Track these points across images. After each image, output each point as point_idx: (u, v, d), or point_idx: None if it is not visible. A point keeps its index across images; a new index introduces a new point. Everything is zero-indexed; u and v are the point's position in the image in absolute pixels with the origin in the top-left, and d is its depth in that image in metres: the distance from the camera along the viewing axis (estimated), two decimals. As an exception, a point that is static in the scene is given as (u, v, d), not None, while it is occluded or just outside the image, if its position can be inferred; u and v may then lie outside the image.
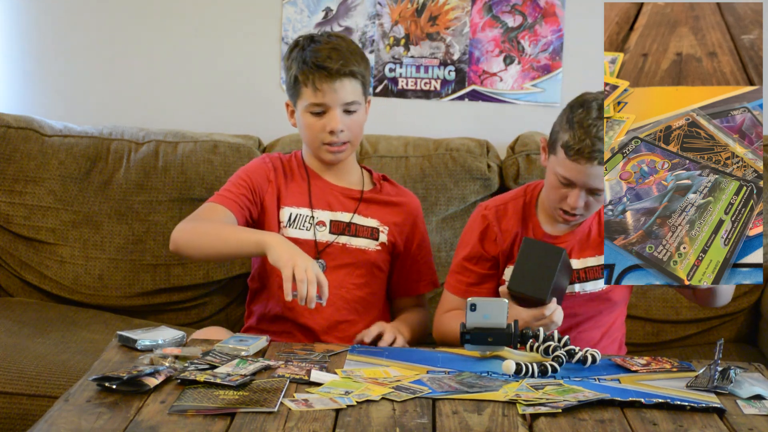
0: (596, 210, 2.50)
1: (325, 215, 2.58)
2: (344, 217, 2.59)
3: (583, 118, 2.38)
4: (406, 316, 2.65)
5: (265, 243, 2.33)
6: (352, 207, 2.60)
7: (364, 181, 2.66)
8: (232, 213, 2.51)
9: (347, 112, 2.53)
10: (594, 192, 2.41)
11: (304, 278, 2.24)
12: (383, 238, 2.60)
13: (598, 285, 2.50)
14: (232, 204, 2.53)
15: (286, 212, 2.57)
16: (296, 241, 2.46)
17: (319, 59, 2.50)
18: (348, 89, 2.52)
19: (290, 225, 2.56)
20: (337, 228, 2.58)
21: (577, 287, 2.50)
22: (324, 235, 2.57)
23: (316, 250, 2.56)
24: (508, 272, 2.53)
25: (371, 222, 2.60)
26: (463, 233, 2.67)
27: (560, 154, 2.41)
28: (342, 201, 2.60)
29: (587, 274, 2.51)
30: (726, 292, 2.43)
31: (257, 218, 2.58)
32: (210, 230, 2.47)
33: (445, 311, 2.60)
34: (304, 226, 2.57)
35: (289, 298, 2.25)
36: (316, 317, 2.52)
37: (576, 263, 2.51)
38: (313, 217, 2.57)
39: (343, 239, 2.57)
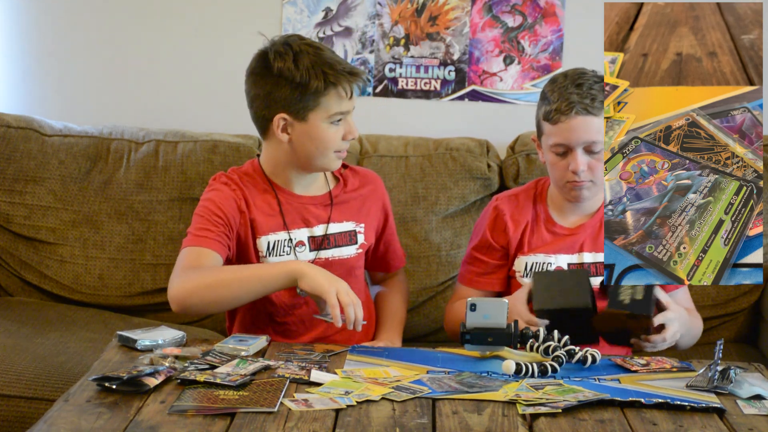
0: (602, 175, 2.37)
1: (302, 234, 2.51)
2: (320, 230, 2.52)
3: (552, 87, 2.47)
4: (394, 311, 2.63)
5: (296, 272, 2.28)
6: (325, 216, 2.53)
7: (328, 181, 2.58)
8: (218, 254, 2.39)
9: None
10: (591, 149, 2.44)
11: (350, 302, 2.23)
12: (361, 239, 2.56)
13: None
14: (214, 243, 2.40)
15: (263, 242, 2.47)
16: None
17: (344, 65, 2.42)
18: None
19: (270, 254, 2.48)
20: (316, 244, 2.51)
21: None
22: (305, 255, 2.50)
23: None
24: (519, 262, 2.55)
25: (347, 226, 2.55)
26: (475, 224, 2.69)
27: (545, 127, 2.46)
28: (315, 213, 2.52)
29: (598, 270, 2.52)
30: (688, 337, 2.45)
31: (233, 252, 2.47)
32: (220, 279, 2.34)
33: (455, 301, 2.62)
34: (283, 251, 2.49)
35: (339, 323, 2.23)
36: (309, 332, 2.52)
37: (588, 257, 2.53)
38: (291, 239, 2.49)
39: (324, 253, 2.52)
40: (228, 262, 2.44)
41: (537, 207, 2.59)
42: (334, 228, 2.53)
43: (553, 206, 2.58)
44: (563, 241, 2.55)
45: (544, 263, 2.53)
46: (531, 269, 2.54)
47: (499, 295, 2.60)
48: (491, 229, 2.59)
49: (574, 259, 2.53)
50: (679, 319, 2.33)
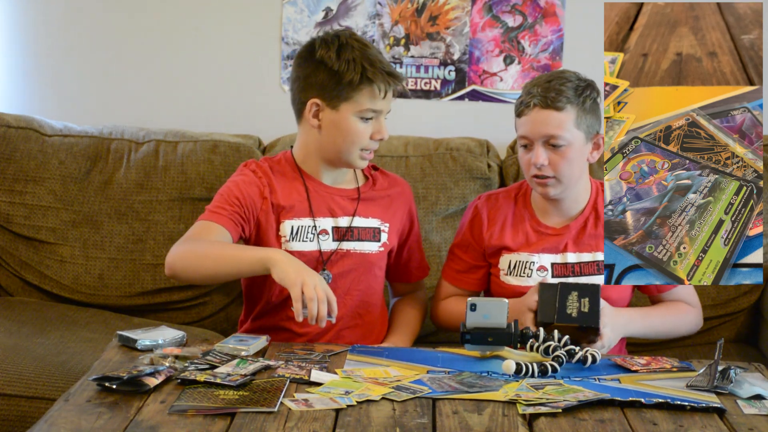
0: (568, 173, 2.48)
1: (327, 223, 2.53)
2: (345, 221, 2.54)
3: (526, 83, 2.54)
4: (408, 320, 2.65)
5: (268, 260, 2.26)
6: (351, 209, 2.55)
7: (357, 177, 2.61)
8: (227, 230, 2.43)
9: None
10: (552, 143, 2.45)
11: (314, 296, 2.18)
12: (384, 237, 2.57)
13: (592, 280, 2.49)
14: (226, 221, 2.44)
15: (287, 226, 2.50)
16: (301, 253, 2.45)
17: (385, 65, 2.46)
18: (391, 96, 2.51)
19: (293, 238, 2.49)
20: (339, 234, 2.53)
21: (571, 281, 2.49)
22: (327, 244, 2.52)
23: (322, 260, 2.51)
24: (502, 261, 2.56)
25: (372, 222, 2.57)
26: (460, 222, 2.72)
27: (515, 121, 2.52)
28: (341, 204, 2.55)
29: (582, 269, 2.53)
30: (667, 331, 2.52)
31: (250, 236, 2.50)
32: (207, 251, 2.36)
33: (440, 299, 2.65)
34: (307, 237, 2.51)
35: (300, 318, 2.19)
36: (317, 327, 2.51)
37: (572, 257, 2.53)
38: (315, 226, 2.51)
39: (347, 245, 2.53)
40: (243, 242, 2.48)
41: (519, 207, 2.60)
42: (359, 222, 2.55)
43: (536, 207, 2.60)
44: (547, 240, 2.55)
45: (527, 262, 2.54)
46: (514, 268, 2.55)
47: (482, 294, 2.64)
48: (470, 227, 2.63)
49: (557, 258, 2.54)
50: (613, 325, 2.34)
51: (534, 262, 2.54)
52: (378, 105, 2.46)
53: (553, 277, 2.52)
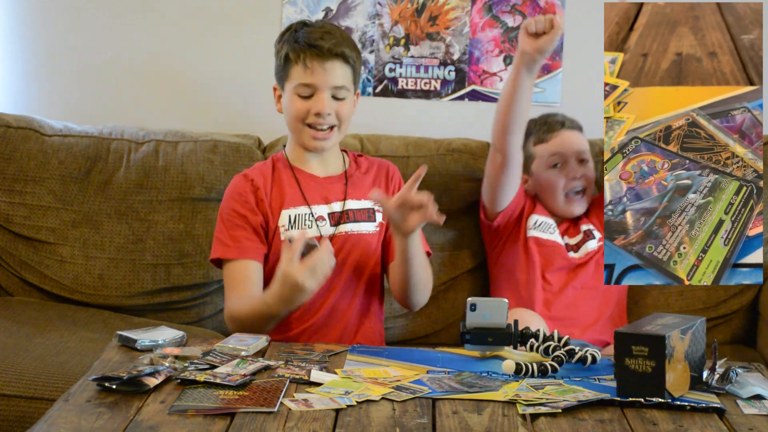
0: (593, 181, 2.92)
1: (322, 209, 2.58)
2: (338, 206, 2.59)
3: (534, 124, 2.89)
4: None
5: (292, 288, 2.29)
6: (342, 193, 2.60)
7: (345, 163, 2.67)
8: (255, 261, 2.51)
9: (335, 98, 2.54)
10: (581, 159, 2.87)
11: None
12: (380, 217, 2.60)
13: (589, 246, 2.86)
14: (248, 252, 2.51)
15: (284, 215, 2.55)
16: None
17: (311, 39, 2.51)
18: (338, 72, 2.53)
19: (291, 226, 2.54)
20: (335, 219, 2.57)
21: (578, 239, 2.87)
22: (326, 229, 2.56)
23: None
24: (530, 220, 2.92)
25: (365, 203, 2.61)
26: None
27: (539, 148, 2.88)
28: (332, 190, 2.60)
29: (577, 247, 2.86)
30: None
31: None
32: (254, 318, 2.40)
33: None
34: (305, 224, 2.55)
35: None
36: (319, 312, 2.54)
37: (568, 239, 2.88)
38: (312, 213, 2.56)
39: (344, 227, 2.57)
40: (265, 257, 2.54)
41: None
42: (352, 204, 2.60)
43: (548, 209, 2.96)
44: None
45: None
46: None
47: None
48: None
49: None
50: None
51: (554, 225, 2.92)
52: (309, 79, 2.51)
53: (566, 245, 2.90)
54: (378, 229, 2.60)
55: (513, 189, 2.87)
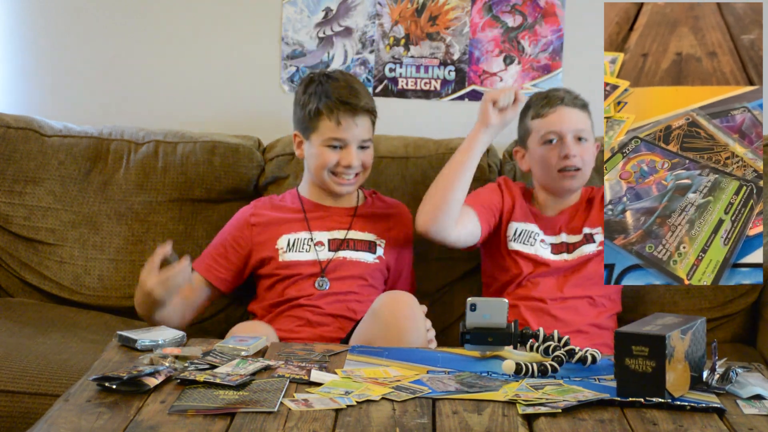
0: (590, 166, 2.79)
1: (323, 235, 2.71)
2: (341, 234, 2.71)
3: (535, 96, 2.81)
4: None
5: (147, 292, 2.58)
6: (347, 223, 2.72)
7: (358, 198, 2.80)
8: (202, 276, 2.76)
9: (361, 147, 2.70)
10: (580, 137, 2.74)
11: None
12: (380, 251, 2.71)
13: (585, 250, 2.76)
14: (203, 268, 2.78)
15: (283, 240, 2.70)
16: (297, 263, 2.67)
17: (342, 96, 2.65)
18: (366, 126, 2.71)
19: (289, 249, 2.68)
20: (335, 245, 2.69)
21: (566, 255, 2.76)
22: (324, 254, 2.68)
23: (320, 267, 2.67)
24: (510, 228, 2.79)
25: (368, 236, 2.73)
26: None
27: (536, 122, 2.76)
28: (338, 220, 2.73)
29: (568, 248, 2.77)
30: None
31: (244, 266, 2.76)
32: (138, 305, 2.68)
33: None
34: (303, 248, 2.69)
35: None
36: (326, 327, 2.62)
37: (565, 237, 2.79)
38: (312, 238, 2.69)
39: (343, 253, 2.68)
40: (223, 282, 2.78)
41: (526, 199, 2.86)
42: (355, 234, 2.73)
43: (536, 203, 2.86)
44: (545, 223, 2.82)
45: (532, 232, 2.79)
46: (520, 235, 2.78)
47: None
48: (496, 186, 2.88)
49: (553, 239, 2.80)
50: None
51: (538, 234, 2.76)
52: (341, 134, 2.66)
53: (552, 253, 2.76)
54: (378, 261, 2.70)
55: (472, 227, 2.74)
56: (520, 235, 2.78)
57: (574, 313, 2.70)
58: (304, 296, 2.66)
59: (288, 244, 2.70)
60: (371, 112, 2.72)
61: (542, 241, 2.77)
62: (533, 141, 2.79)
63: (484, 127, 2.67)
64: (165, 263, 2.53)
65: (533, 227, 2.79)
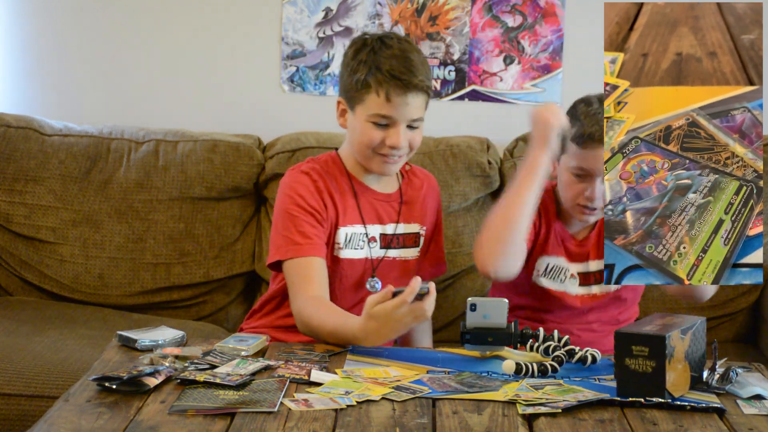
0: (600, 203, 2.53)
1: (375, 230, 2.50)
2: (390, 228, 2.51)
3: (587, 110, 2.50)
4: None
5: (361, 340, 2.20)
6: (395, 214, 2.53)
7: (399, 178, 2.57)
8: (321, 258, 2.39)
9: (410, 127, 2.42)
10: (599, 177, 2.49)
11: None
12: (421, 241, 2.57)
13: (611, 286, 2.56)
14: (317, 249, 2.39)
15: (342, 233, 2.45)
16: (351, 262, 2.46)
17: (395, 70, 2.36)
18: (417, 105, 2.41)
19: (347, 246, 2.46)
20: (386, 242, 2.51)
21: (595, 289, 2.58)
22: (376, 251, 2.49)
23: (372, 267, 2.49)
24: (541, 262, 2.58)
25: (413, 227, 2.55)
26: None
27: (572, 148, 2.50)
28: (388, 211, 2.52)
29: (600, 276, 2.58)
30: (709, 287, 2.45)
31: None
32: (324, 330, 2.27)
33: None
34: (358, 245, 2.47)
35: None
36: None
37: (594, 265, 2.59)
38: (366, 233, 2.48)
39: (392, 253, 2.52)
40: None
41: (550, 217, 2.61)
42: (402, 228, 2.53)
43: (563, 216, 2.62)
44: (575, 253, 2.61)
45: (563, 268, 2.60)
46: (551, 271, 2.59)
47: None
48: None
49: (581, 267, 2.59)
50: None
51: (568, 269, 2.59)
52: (389, 111, 2.37)
53: (580, 286, 2.59)
54: (419, 254, 2.57)
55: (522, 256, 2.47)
56: (550, 271, 2.60)
57: (594, 335, 2.62)
58: (359, 302, 2.37)
59: (345, 239, 2.46)
60: (425, 90, 2.41)
61: (572, 276, 2.60)
62: (565, 160, 2.56)
63: (545, 150, 2.41)
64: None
65: (563, 262, 2.59)
